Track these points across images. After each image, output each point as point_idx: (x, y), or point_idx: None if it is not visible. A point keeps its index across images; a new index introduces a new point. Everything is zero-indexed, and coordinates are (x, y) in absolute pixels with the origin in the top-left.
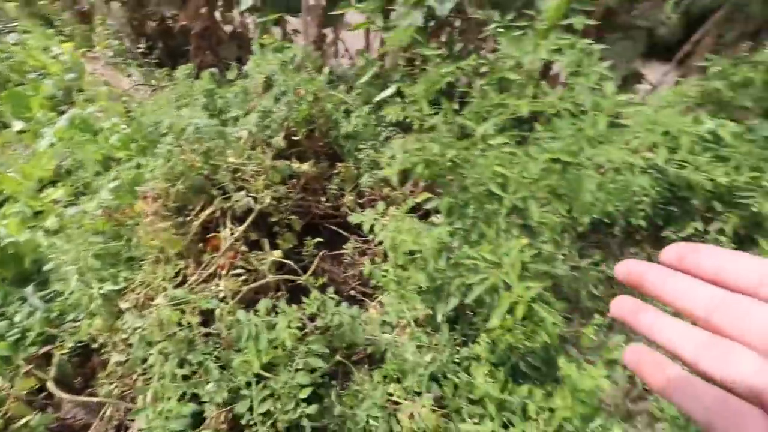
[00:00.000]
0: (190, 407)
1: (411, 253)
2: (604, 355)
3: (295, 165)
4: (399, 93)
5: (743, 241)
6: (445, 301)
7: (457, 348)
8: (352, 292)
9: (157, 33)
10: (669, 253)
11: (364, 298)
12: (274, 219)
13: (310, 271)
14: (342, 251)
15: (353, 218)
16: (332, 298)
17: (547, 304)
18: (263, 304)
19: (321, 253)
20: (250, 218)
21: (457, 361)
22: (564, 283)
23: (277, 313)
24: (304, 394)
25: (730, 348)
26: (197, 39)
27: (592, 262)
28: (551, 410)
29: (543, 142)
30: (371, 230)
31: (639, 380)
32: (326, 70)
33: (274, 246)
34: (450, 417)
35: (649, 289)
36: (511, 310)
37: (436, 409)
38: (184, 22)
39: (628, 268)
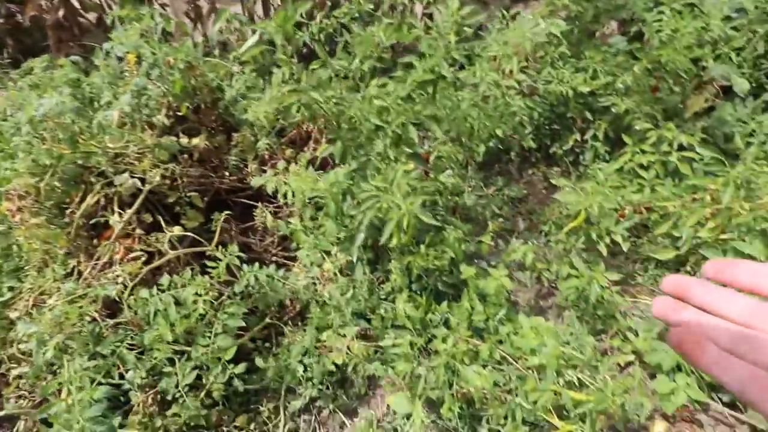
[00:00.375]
0: (102, 390)
1: (317, 206)
2: (504, 258)
3: (184, 140)
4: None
5: (614, 143)
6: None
7: (381, 285)
8: (275, 259)
9: (4, 31)
10: (708, 267)
11: (287, 262)
12: (171, 199)
13: (214, 241)
14: (257, 222)
15: (254, 181)
16: (239, 257)
17: (447, 224)
18: (165, 279)
19: (235, 226)
20: (138, 200)
21: (383, 296)
22: (472, 210)
23: (184, 286)
24: (229, 355)
25: None
26: (55, 31)
27: (496, 189)
28: (470, 316)
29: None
30: (276, 192)
31: (542, 277)
32: (199, 39)
33: (179, 227)
34: (380, 345)
35: (693, 300)
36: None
37: (364, 342)
38: (33, 13)
39: (674, 282)
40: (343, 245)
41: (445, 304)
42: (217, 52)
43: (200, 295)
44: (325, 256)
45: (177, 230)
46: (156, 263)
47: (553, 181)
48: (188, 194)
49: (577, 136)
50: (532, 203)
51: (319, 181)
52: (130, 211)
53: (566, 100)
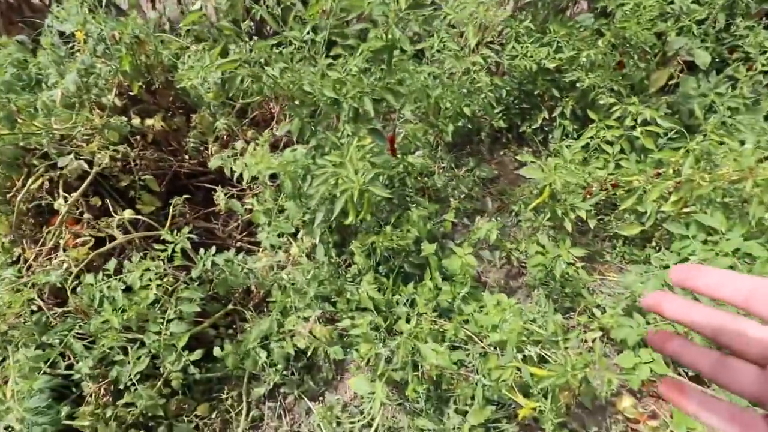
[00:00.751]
0: (43, 380)
1: (280, 188)
2: (470, 237)
3: (136, 121)
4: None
5: (582, 121)
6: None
7: (348, 268)
8: (239, 245)
9: None
10: (673, 275)
11: (252, 247)
12: (124, 183)
13: (167, 225)
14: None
15: (212, 163)
16: (199, 243)
17: (415, 204)
18: (112, 264)
19: (194, 211)
20: (85, 183)
21: (349, 279)
22: (442, 191)
23: (131, 272)
24: (182, 342)
25: None
26: (4, 11)
27: (467, 170)
28: (437, 296)
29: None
30: (232, 172)
31: (511, 257)
32: (152, 14)
33: (135, 212)
34: (345, 329)
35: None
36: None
37: (327, 324)
38: None
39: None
40: (307, 228)
41: (411, 285)
42: (169, 27)
43: (151, 281)
44: (291, 240)
45: (128, 214)
46: (104, 248)
47: (519, 158)
48: (143, 178)
49: (546, 114)
50: (503, 184)
51: (275, 159)
52: (75, 195)
53: (533, 77)
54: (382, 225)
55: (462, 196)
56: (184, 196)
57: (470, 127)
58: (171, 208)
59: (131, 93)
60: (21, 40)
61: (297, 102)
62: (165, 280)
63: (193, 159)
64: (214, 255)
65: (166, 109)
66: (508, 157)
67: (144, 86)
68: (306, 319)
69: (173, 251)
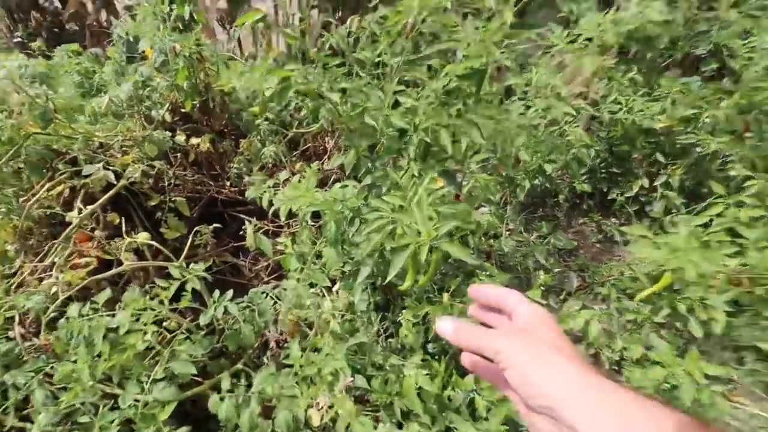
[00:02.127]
0: None
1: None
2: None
3: (180, 138)
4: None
5: (690, 194)
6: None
7: (389, 339)
8: (265, 288)
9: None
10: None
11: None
12: (153, 202)
13: (182, 257)
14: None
15: (248, 192)
16: (221, 281)
17: (480, 269)
18: (103, 295)
19: (220, 243)
20: (105, 196)
21: (389, 353)
22: (510, 257)
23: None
24: (166, 413)
25: None
26: (92, 30)
27: (539, 236)
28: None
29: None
30: (270, 204)
31: (601, 356)
32: (222, 37)
33: (158, 236)
34: (378, 413)
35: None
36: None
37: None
38: (73, 10)
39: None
40: (346, 281)
41: (471, 378)
42: (238, 51)
43: (146, 324)
44: (325, 293)
45: (143, 237)
46: (103, 275)
47: (625, 230)
48: (174, 199)
49: (644, 182)
50: (583, 258)
51: (320, 195)
52: (91, 207)
53: (633, 137)
54: (437, 292)
55: (535, 266)
56: (214, 225)
57: (548, 186)
58: (199, 236)
59: (183, 110)
60: (95, 52)
61: (355, 131)
62: (166, 324)
63: (233, 186)
64: (230, 300)
65: (218, 132)
66: (590, 228)
67: (198, 105)
68: (331, 386)
69: (182, 290)
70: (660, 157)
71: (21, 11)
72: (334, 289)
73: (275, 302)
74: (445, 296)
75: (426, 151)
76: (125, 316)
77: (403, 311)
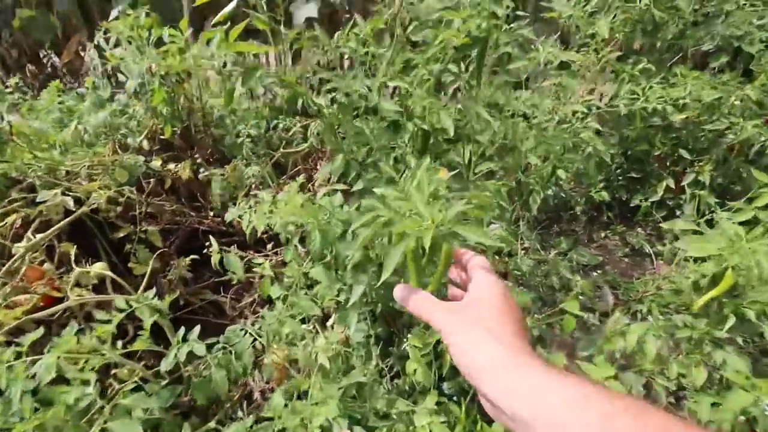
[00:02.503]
0: None
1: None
2: (602, 346)
3: (156, 163)
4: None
5: (727, 192)
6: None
7: (394, 380)
8: (249, 328)
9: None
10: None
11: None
12: (121, 233)
13: (140, 289)
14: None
15: (228, 215)
16: (169, 315)
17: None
18: (31, 336)
19: (205, 279)
20: (59, 225)
21: (396, 396)
22: (530, 277)
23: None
24: None
25: None
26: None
27: (559, 253)
28: None
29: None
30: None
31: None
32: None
33: (127, 271)
34: None
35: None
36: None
37: None
38: (68, 60)
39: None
40: (341, 312)
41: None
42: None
43: (83, 370)
44: (319, 328)
45: (98, 267)
46: (40, 314)
47: (667, 225)
48: (145, 230)
49: (670, 183)
50: (611, 273)
51: (303, 205)
52: (40, 236)
53: (649, 134)
54: None
55: (560, 284)
56: (192, 257)
57: (563, 196)
58: (173, 269)
59: (163, 137)
60: (80, 92)
61: (342, 133)
62: (117, 373)
63: (216, 216)
64: (199, 339)
65: (203, 160)
66: (613, 241)
67: (180, 132)
68: None
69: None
70: (685, 154)
71: (18, 64)
72: (329, 323)
73: (255, 340)
74: None
75: (424, 142)
76: (51, 361)
77: (409, 336)
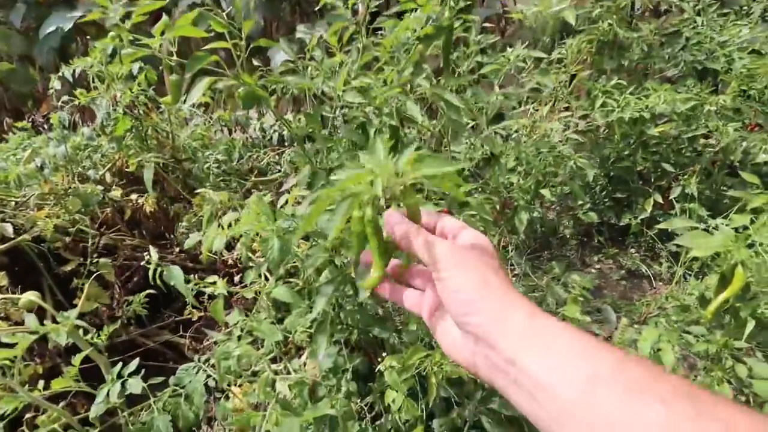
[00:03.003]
0: None
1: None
2: None
3: (115, 193)
4: None
5: (716, 205)
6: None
7: (376, 421)
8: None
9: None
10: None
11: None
12: (69, 267)
13: (76, 314)
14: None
15: (188, 242)
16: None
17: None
18: None
19: (163, 318)
20: None
21: None
22: None
23: None
24: None
25: None
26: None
27: (553, 278)
28: None
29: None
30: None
31: None
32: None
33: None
34: None
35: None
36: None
37: None
38: (46, 112)
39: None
40: (312, 343)
41: None
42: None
43: None
44: (288, 366)
45: (28, 296)
46: None
47: (665, 225)
48: (95, 261)
49: (657, 198)
50: (611, 297)
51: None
52: None
53: (632, 147)
54: (433, 344)
55: (557, 305)
56: (148, 291)
57: (550, 219)
58: (130, 305)
59: (129, 171)
60: (50, 136)
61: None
62: (36, 419)
63: (182, 251)
64: (133, 374)
65: (172, 198)
66: (607, 265)
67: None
68: None
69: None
70: (668, 167)
71: None
72: (301, 360)
73: (209, 377)
74: None
75: (394, 140)
76: None
77: (386, 357)
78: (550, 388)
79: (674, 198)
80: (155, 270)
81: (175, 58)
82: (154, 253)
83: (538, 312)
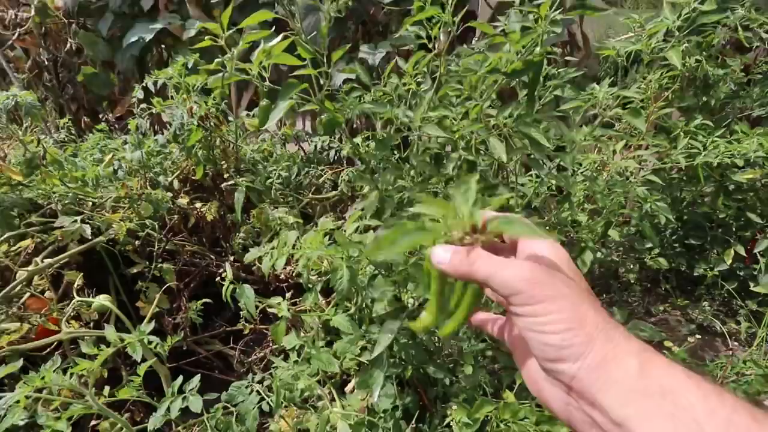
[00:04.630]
0: None
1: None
2: None
3: (183, 200)
4: None
5: None
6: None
7: None
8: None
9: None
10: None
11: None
12: (136, 269)
13: (145, 325)
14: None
15: (248, 256)
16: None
17: None
18: (7, 368)
19: (214, 328)
20: (68, 252)
21: None
22: None
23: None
24: None
25: None
26: None
27: None
28: None
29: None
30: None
31: None
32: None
33: (135, 311)
34: None
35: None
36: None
37: None
38: (119, 114)
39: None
40: (364, 375)
41: None
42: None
43: (60, 417)
44: (334, 393)
45: (101, 300)
46: (23, 345)
47: (763, 290)
48: (159, 266)
49: (739, 249)
50: (680, 352)
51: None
52: (46, 261)
53: (713, 197)
54: (500, 388)
55: None
56: (204, 300)
57: (614, 260)
58: (185, 312)
59: (193, 177)
60: (125, 139)
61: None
62: (98, 426)
63: (237, 261)
64: (198, 393)
65: (230, 207)
66: (674, 317)
67: (212, 175)
68: None
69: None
70: (755, 218)
71: (76, 117)
72: (347, 389)
73: (262, 399)
74: (509, 395)
75: (471, 169)
76: (17, 398)
77: (452, 411)
78: None
79: (759, 252)
80: (229, 286)
81: (267, 83)
82: (229, 270)
83: (652, 355)
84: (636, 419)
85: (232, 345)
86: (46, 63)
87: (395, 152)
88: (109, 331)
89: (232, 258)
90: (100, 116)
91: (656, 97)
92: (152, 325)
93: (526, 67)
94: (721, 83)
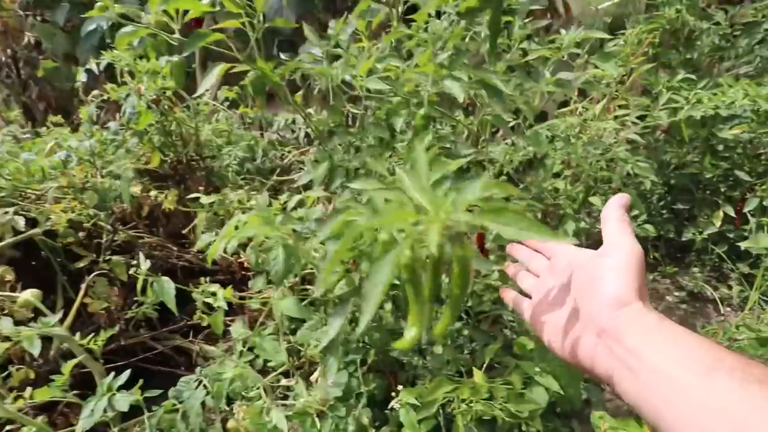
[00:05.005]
0: None
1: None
2: None
3: (135, 189)
4: None
5: None
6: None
7: None
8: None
9: None
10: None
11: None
12: (82, 263)
13: (65, 324)
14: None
15: (199, 243)
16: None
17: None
18: None
19: (179, 322)
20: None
21: None
22: None
23: None
24: None
25: None
26: None
27: None
28: None
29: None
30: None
31: None
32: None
33: (83, 307)
34: None
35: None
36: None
37: None
38: None
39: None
40: (323, 360)
41: None
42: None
43: None
44: (299, 382)
45: (27, 295)
46: None
47: (745, 245)
48: (108, 259)
49: (728, 210)
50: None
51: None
52: None
53: (699, 152)
54: (463, 370)
55: None
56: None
57: (599, 230)
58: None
59: (152, 167)
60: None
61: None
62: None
63: (200, 252)
64: (124, 387)
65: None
66: (663, 284)
67: (170, 162)
68: None
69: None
70: (743, 176)
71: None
72: (312, 378)
73: (208, 393)
74: (478, 374)
75: (424, 129)
76: None
77: (402, 391)
78: (667, 372)
79: (749, 211)
80: (145, 281)
81: (177, 36)
82: (143, 262)
83: (666, 318)
84: (647, 347)
85: (191, 339)
86: (4, 59)
87: (354, 122)
88: (5, 324)
89: (194, 249)
90: (73, 116)
91: (635, 52)
92: (59, 316)
93: (483, 3)
94: (705, 36)
